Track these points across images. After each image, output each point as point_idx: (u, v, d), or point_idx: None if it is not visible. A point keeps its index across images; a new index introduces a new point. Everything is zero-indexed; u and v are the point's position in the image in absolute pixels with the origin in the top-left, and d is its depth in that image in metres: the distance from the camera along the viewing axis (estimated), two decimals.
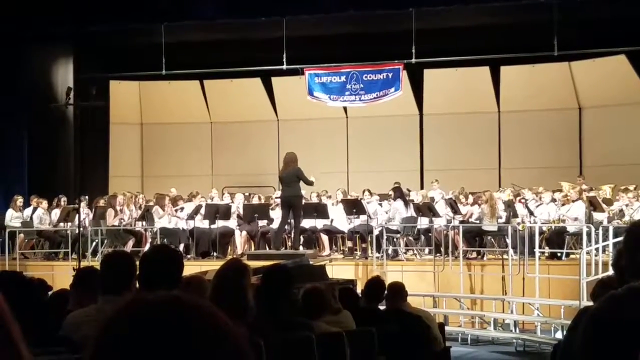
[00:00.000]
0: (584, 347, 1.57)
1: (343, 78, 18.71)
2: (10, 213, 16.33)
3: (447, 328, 10.40)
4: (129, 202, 16.79)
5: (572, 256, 14.19)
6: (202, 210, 16.04)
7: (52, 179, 18.35)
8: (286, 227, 15.14)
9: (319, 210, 15.55)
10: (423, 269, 14.49)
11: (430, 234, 15.34)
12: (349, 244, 16.08)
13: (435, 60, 18.64)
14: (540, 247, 13.88)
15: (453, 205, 15.70)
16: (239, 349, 1.09)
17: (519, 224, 14.75)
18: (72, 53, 19.18)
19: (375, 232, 14.96)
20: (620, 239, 10.00)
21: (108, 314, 1.10)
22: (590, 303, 6.50)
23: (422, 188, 18.66)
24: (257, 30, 18.49)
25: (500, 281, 13.96)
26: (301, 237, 15.56)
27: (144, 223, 16.13)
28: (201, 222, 16.07)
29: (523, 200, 16.01)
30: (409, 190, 17.16)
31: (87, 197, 16.82)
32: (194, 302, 1.10)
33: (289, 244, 15.51)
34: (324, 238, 15.84)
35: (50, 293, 5.71)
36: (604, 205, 15.13)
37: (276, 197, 16.59)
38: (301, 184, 14.59)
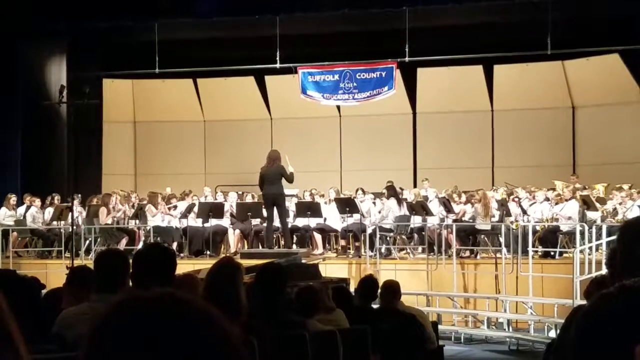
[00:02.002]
0: (577, 346, 1.57)
1: (336, 77, 18.69)
2: (3, 211, 16.29)
3: (440, 327, 10.42)
4: (122, 201, 16.77)
5: (565, 255, 14.21)
6: (195, 209, 16.02)
7: (45, 177, 18.27)
8: (277, 225, 15.09)
9: (312, 209, 15.54)
10: (416, 267, 14.49)
11: (423, 233, 15.34)
12: (342, 242, 16.06)
13: (428, 59, 18.63)
14: (533, 246, 13.89)
15: (446, 204, 15.70)
16: (233, 347, 1.09)
17: (512, 222, 14.77)
18: (66, 51, 19.09)
19: (369, 230, 14.96)
20: (613, 237, 10.03)
21: (102, 311, 1.10)
22: (584, 302, 6.51)
23: (415, 187, 18.65)
24: (250, 28, 18.46)
25: (493, 280, 13.97)
26: (294, 236, 15.56)
27: (137, 221, 16.11)
28: (194, 221, 16.05)
29: (516, 199, 16.03)
30: (402, 189, 17.17)
31: (80, 195, 16.78)
32: (189, 300, 1.10)
33: (282, 242, 15.49)
34: (317, 237, 15.82)
35: (43, 292, 5.68)
36: (597, 204, 15.15)
37: None
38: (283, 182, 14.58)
